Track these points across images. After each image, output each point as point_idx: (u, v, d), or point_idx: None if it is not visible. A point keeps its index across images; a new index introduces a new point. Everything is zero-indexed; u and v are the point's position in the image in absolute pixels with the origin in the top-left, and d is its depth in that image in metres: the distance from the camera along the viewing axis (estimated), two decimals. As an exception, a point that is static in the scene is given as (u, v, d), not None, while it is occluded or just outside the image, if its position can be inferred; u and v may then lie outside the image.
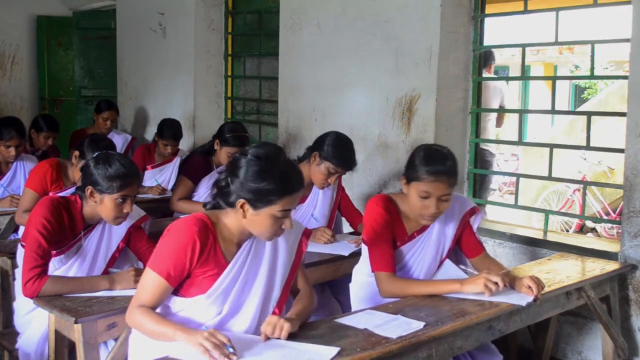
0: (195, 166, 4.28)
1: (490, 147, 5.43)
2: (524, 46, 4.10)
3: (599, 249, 3.53)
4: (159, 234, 3.22)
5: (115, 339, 2.43)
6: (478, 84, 4.23)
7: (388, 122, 4.30)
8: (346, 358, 1.97)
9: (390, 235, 2.69)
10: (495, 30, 5.16)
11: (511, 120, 5.80)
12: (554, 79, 4.29)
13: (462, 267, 2.83)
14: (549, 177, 4.02)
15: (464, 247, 2.85)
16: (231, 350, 1.90)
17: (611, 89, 8.39)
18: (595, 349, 3.53)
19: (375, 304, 2.61)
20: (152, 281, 2.10)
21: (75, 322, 2.30)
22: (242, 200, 2.09)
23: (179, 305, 2.15)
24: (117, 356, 2.39)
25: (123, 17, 6.74)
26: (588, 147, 3.98)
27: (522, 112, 4.58)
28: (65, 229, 2.67)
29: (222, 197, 2.16)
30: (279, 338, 2.03)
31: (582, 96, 14.35)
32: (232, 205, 2.13)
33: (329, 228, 3.53)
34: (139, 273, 2.61)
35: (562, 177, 4.77)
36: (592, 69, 3.87)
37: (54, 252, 2.64)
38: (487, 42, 4.24)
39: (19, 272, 2.67)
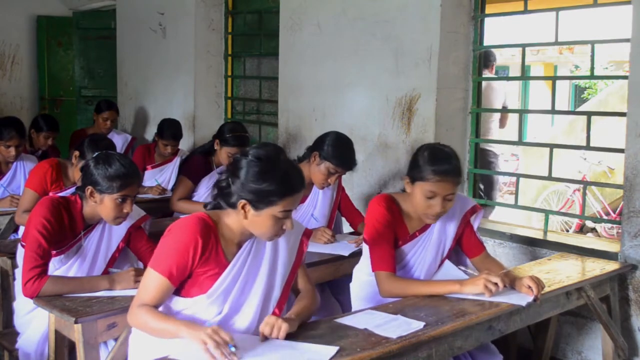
0: (195, 166, 4.28)
1: (494, 148, 5.44)
2: (524, 46, 4.10)
3: (599, 249, 3.53)
4: (159, 234, 3.22)
5: (115, 339, 2.43)
6: (478, 84, 4.23)
7: (388, 122, 4.30)
8: (346, 358, 1.97)
9: (392, 235, 2.69)
10: (495, 30, 5.17)
11: (511, 120, 5.80)
12: (554, 79, 4.29)
13: (462, 268, 2.83)
14: (549, 177, 4.02)
15: (465, 247, 2.86)
16: (233, 349, 1.89)
17: (611, 89, 8.39)
18: (595, 349, 3.53)
19: (376, 303, 2.61)
20: (153, 281, 2.10)
21: (75, 322, 2.30)
22: (243, 201, 2.10)
23: (180, 305, 2.15)
24: (117, 356, 2.39)
25: (123, 17, 6.74)
26: (588, 147, 3.98)
27: (522, 112, 4.58)
28: (65, 229, 2.67)
29: (223, 198, 2.16)
30: (277, 338, 2.03)
31: (582, 96, 14.35)
32: (233, 205, 2.13)
33: (329, 228, 3.53)
34: (139, 273, 2.61)
35: (562, 177, 4.77)
36: (592, 69, 3.87)
37: (54, 252, 2.64)
38: (487, 42, 4.24)
39: (19, 272, 2.67)
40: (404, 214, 2.74)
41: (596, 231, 7.05)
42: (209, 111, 6.01)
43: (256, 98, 5.86)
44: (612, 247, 3.56)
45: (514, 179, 4.52)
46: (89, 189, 2.63)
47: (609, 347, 3.27)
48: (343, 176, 3.62)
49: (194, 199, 4.25)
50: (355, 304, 2.82)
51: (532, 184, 7.16)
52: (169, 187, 4.87)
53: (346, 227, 3.91)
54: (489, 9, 4.23)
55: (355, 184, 4.47)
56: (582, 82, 14.35)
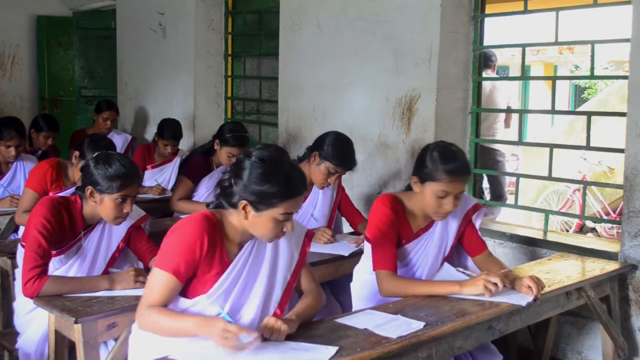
0: (195, 166, 4.28)
1: (502, 148, 5.46)
2: (524, 46, 4.10)
3: (599, 249, 3.53)
4: (159, 234, 3.23)
5: (115, 339, 2.43)
6: (478, 84, 4.23)
7: (388, 122, 4.30)
8: (346, 358, 1.97)
9: (395, 235, 2.70)
10: (495, 30, 5.17)
11: (511, 120, 5.83)
12: (554, 79, 4.29)
13: (461, 269, 2.83)
14: (549, 177, 4.02)
15: (466, 245, 2.86)
16: (247, 338, 1.91)
17: (611, 89, 8.39)
18: (595, 349, 3.53)
19: (376, 303, 2.62)
20: (160, 280, 2.09)
21: (75, 322, 2.30)
22: (244, 202, 2.10)
23: (181, 305, 2.14)
24: (117, 356, 2.39)
25: (123, 17, 6.74)
26: (588, 147, 3.98)
27: (522, 112, 4.58)
28: (65, 229, 2.67)
29: (225, 197, 2.17)
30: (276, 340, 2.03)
31: (582, 96, 14.35)
32: (234, 206, 2.13)
33: (329, 228, 3.53)
34: (139, 273, 2.62)
35: (562, 177, 4.77)
36: (592, 69, 3.87)
37: (54, 252, 2.64)
38: (487, 42, 4.24)
39: (19, 272, 2.67)
40: (408, 213, 2.75)
41: (596, 231, 7.05)
42: (209, 111, 6.01)
43: (256, 98, 5.86)
44: (612, 247, 3.56)
45: (514, 179, 4.52)
46: (89, 189, 2.63)
47: (609, 347, 3.27)
48: (343, 176, 3.62)
49: (194, 199, 4.25)
50: (356, 303, 2.83)
51: (532, 184, 7.16)
52: (169, 187, 4.87)
53: (346, 227, 3.91)
54: (489, 9, 4.23)
55: (355, 184, 4.47)
56: (582, 82, 14.35)
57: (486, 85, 5.28)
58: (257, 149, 2.17)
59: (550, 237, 3.84)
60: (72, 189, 3.21)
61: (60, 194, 3.40)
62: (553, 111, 4.12)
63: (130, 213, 2.71)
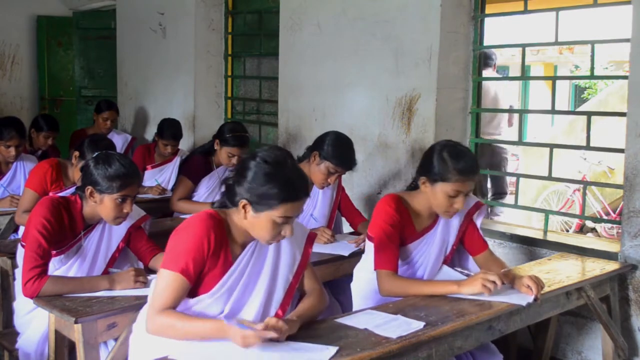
0: (195, 166, 4.28)
1: (506, 148, 5.47)
2: (524, 46, 4.10)
3: (599, 249, 3.52)
4: (159, 234, 3.24)
5: (115, 339, 2.43)
6: (478, 84, 4.23)
7: (388, 122, 4.30)
8: (346, 358, 1.97)
9: (398, 236, 2.70)
10: (495, 30, 5.17)
11: (513, 119, 5.84)
12: (554, 79, 4.29)
13: (459, 269, 2.84)
14: (549, 177, 4.02)
15: (467, 244, 2.87)
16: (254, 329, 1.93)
17: (611, 89, 8.38)
18: (595, 349, 3.53)
19: (377, 302, 2.62)
20: (168, 281, 2.08)
21: (75, 322, 2.30)
22: (244, 201, 2.10)
23: (183, 304, 2.13)
24: (117, 356, 2.39)
25: (123, 17, 6.74)
26: (588, 147, 3.98)
27: (522, 112, 4.58)
28: (65, 229, 2.67)
29: (228, 196, 2.17)
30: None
31: (582, 96, 14.35)
32: (235, 204, 2.13)
33: (329, 228, 3.53)
34: (139, 273, 2.62)
35: (562, 177, 4.77)
36: (592, 69, 3.87)
37: (54, 252, 2.64)
38: (487, 42, 4.24)
39: (19, 272, 2.67)
40: (412, 213, 2.75)
41: (596, 231, 7.05)
42: (209, 111, 6.01)
43: (256, 98, 5.86)
44: (612, 247, 3.56)
45: (514, 179, 4.52)
46: (89, 189, 2.63)
47: (609, 347, 3.27)
48: (343, 176, 3.62)
49: (194, 199, 4.25)
50: (357, 302, 2.83)
51: (532, 184, 7.16)
52: (169, 187, 4.87)
53: (346, 227, 3.91)
54: (489, 9, 4.23)
55: (355, 184, 4.47)
56: (582, 82, 14.35)
57: (490, 86, 5.29)
58: (264, 150, 2.16)
59: (550, 237, 3.84)
60: (72, 189, 3.21)
61: (60, 194, 3.40)
62: (553, 111, 4.12)
63: (130, 213, 2.71)
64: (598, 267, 3.20)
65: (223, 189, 2.23)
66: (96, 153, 2.75)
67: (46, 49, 7.62)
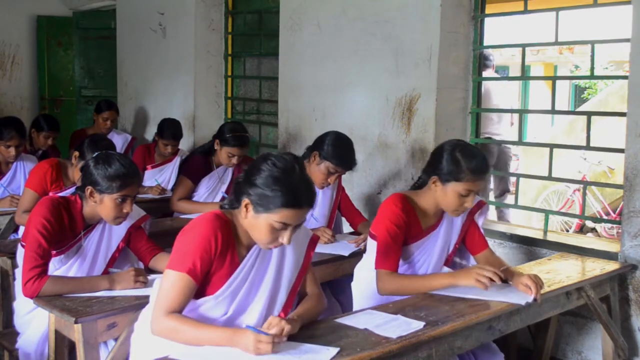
0: (195, 166, 4.28)
1: (511, 148, 5.49)
2: (524, 46, 4.10)
3: (599, 249, 3.53)
4: (159, 234, 3.24)
5: (115, 339, 2.43)
6: (478, 84, 4.23)
7: (388, 122, 4.30)
8: (346, 358, 1.97)
9: (402, 237, 2.71)
10: (495, 30, 5.17)
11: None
12: (554, 79, 4.29)
13: (458, 259, 2.85)
14: (549, 177, 4.02)
15: (468, 243, 2.89)
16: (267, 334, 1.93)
17: (611, 89, 8.38)
18: (595, 349, 3.53)
19: (378, 301, 2.63)
20: (175, 282, 2.06)
21: (75, 322, 2.30)
22: (246, 200, 2.09)
23: (189, 306, 2.12)
24: (117, 356, 2.39)
25: (123, 17, 6.74)
26: (588, 147, 3.98)
27: (522, 112, 4.58)
28: (65, 229, 2.67)
29: (235, 195, 2.16)
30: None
31: (582, 96, 14.34)
32: (239, 202, 2.13)
33: (329, 228, 3.53)
34: (139, 273, 2.62)
35: (562, 177, 4.77)
36: (592, 69, 3.87)
37: (54, 252, 2.63)
38: (487, 42, 4.24)
39: (19, 272, 2.67)
40: (418, 212, 2.76)
41: (596, 231, 7.05)
42: (209, 111, 6.01)
43: (256, 98, 5.86)
44: (612, 247, 3.56)
45: (514, 178, 4.53)
46: (89, 189, 2.63)
47: (609, 347, 3.27)
48: (343, 176, 3.62)
49: (194, 199, 4.25)
50: (357, 302, 2.83)
51: (532, 184, 7.16)
52: (169, 187, 4.87)
53: (346, 227, 3.91)
54: (489, 9, 4.23)
55: (355, 184, 4.47)
56: (582, 82, 14.34)
57: (488, 87, 5.29)
58: (275, 153, 2.15)
59: (550, 237, 3.84)
60: (72, 189, 3.21)
61: (60, 194, 3.40)
62: (553, 111, 4.12)
63: (130, 213, 2.71)
64: (598, 267, 3.20)
65: (234, 187, 2.21)
66: (96, 153, 2.75)
67: (46, 49, 7.61)
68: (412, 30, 4.11)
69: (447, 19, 4.01)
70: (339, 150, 3.44)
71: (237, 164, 4.18)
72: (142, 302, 2.38)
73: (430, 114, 4.06)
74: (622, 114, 3.52)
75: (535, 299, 2.54)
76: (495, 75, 5.93)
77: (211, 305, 2.13)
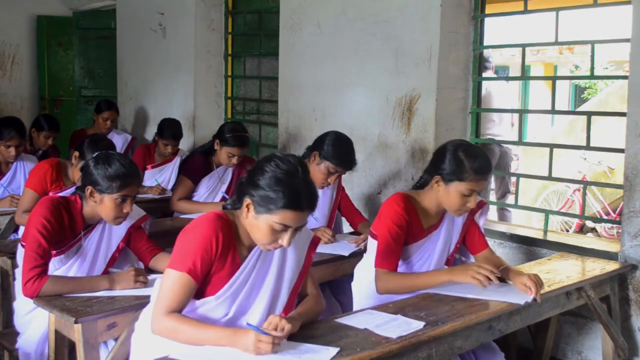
0: (195, 166, 4.28)
1: (512, 149, 5.48)
2: (524, 46, 4.10)
3: (599, 249, 3.53)
4: (159, 234, 3.24)
5: (115, 339, 2.43)
6: (478, 84, 4.23)
7: (388, 122, 4.30)
8: (346, 358, 1.97)
9: (403, 237, 2.71)
10: (495, 30, 5.17)
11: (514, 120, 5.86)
12: (554, 79, 4.29)
13: (457, 255, 2.86)
14: (549, 177, 4.02)
15: (468, 242, 2.90)
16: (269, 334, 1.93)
17: (611, 89, 8.38)
18: (595, 349, 3.53)
19: (378, 301, 2.63)
20: (175, 281, 2.06)
21: (75, 322, 2.30)
22: (248, 200, 2.09)
23: (189, 306, 2.12)
24: (117, 356, 2.39)
25: (123, 17, 6.74)
26: (588, 147, 3.98)
27: (522, 112, 4.58)
28: (65, 229, 2.67)
29: (238, 195, 2.16)
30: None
31: (582, 96, 14.34)
32: (241, 201, 2.13)
33: (329, 228, 3.53)
34: (139, 273, 2.62)
35: (562, 177, 4.77)
36: (592, 69, 3.87)
37: (54, 252, 2.63)
38: (487, 42, 4.24)
39: (19, 272, 2.67)
40: (420, 212, 2.77)
41: (596, 231, 7.05)
42: (209, 111, 6.01)
43: (256, 98, 5.86)
44: (612, 247, 3.56)
45: (514, 178, 4.53)
46: (89, 189, 2.63)
47: (609, 347, 3.27)
48: (343, 176, 3.62)
49: (194, 199, 4.25)
50: (357, 301, 2.84)
51: (532, 184, 7.16)
52: (169, 187, 4.87)
53: (346, 227, 3.91)
54: (489, 9, 4.23)
55: (355, 184, 4.47)
56: (582, 82, 14.34)
57: (487, 89, 5.30)
58: (280, 155, 2.14)
59: (550, 237, 3.84)
60: (72, 189, 3.21)
61: (60, 194, 3.40)
62: (553, 111, 4.12)
63: (130, 213, 2.71)
64: (598, 267, 3.20)
65: (237, 187, 2.21)
66: (96, 153, 2.75)
67: (46, 49, 7.61)
68: (412, 30, 4.11)
69: (447, 19, 4.01)
70: (339, 150, 3.44)
71: (237, 164, 4.19)
72: (142, 302, 2.38)
73: (430, 114, 4.06)
74: (622, 114, 3.52)
75: (534, 299, 2.54)
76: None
77: (212, 306, 2.13)
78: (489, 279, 2.52)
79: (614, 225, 6.78)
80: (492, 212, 5.25)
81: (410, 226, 2.72)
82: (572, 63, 14.35)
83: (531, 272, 2.69)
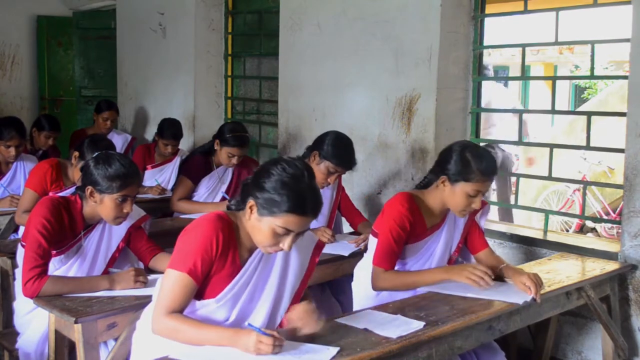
0: (195, 166, 4.28)
1: (513, 150, 5.48)
2: (524, 46, 4.10)
3: (599, 249, 3.53)
4: (159, 234, 3.24)
5: (115, 339, 2.43)
6: (478, 84, 4.23)
7: (388, 122, 4.30)
8: (346, 358, 1.97)
9: (404, 238, 2.72)
10: (495, 30, 5.17)
11: (511, 120, 5.84)
12: (554, 79, 4.29)
13: (460, 259, 2.86)
14: (549, 177, 4.02)
15: (468, 242, 2.92)
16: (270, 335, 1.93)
17: (611, 89, 8.38)
18: (595, 349, 3.53)
19: (378, 301, 2.64)
20: (175, 281, 2.06)
21: (75, 322, 2.30)
22: (252, 201, 2.08)
23: (189, 307, 2.12)
24: (117, 356, 2.39)
25: (123, 17, 6.74)
26: (588, 147, 3.98)
27: (522, 112, 4.58)
28: (65, 229, 2.66)
29: (242, 196, 2.16)
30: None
31: (582, 96, 14.34)
32: (245, 202, 2.12)
33: (329, 228, 3.53)
34: (139, 273, 2.61)
35: (562, 177, 4.77)
36: (592, 69, 3.87)
37: (54, 252, 2.63)
38: (487, 42, 4.24)
39: (19, 272, 2.67)
40: (423, 211, 2.77)
41: (596, 231, 7.05)
42: (209, 111, 6.01)
43: (256, 98, 5.86)
44: (612, 247, 3.56)
45: (514, 178, 4.53)
46: (89, 189, 2.63)
47: (609, 347, 3.27)
48: (343, 176, 3.62)
49: (194, 199, 4.25)
50: (357, 302, 2.84)
51: (532, 184, 7.16)
52: (169, 187, 4.87)
53: (346, 227, 3.91)
54: (489, 9, 4.23)
55: (355, 184, 4.47)
56: (582, 82, 14.34)
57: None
58: (286, 158, 2.13)
59: (550, 237, 3.85)
60: (72, 189, 3.21)
61: (60, 194, 3.40)
62: (553, 111, 4.13)
63: (130, 213, 2.71)
64: (598, 267, 3.20)
65: (241, 189, 2.20)
66: (96, 153, 2.75)
67: (46, 49, 7.61)
68: (412, 30, 4.11)
69: (447, 19, 4.01)
70: (338, 150, 3.43)
71: (237, 164, 4.19)
72: (142, 302, 2.38)
73: (430, 114, 4.06)
74: (622, 114, 3.52)
75: (534, 299, 2.55)
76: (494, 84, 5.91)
77: (212, 308, 2.12)
78: (485, 280, 2.53)
79: (614, 225, 6.78)
80: (494, 213, 5.25)
81: (413, 226, 2.72)
82: (572, 63, 14.34)
83: (531, 272, 2.69)
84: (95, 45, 7.41)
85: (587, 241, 3.91)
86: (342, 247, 3.35)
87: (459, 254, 2.90)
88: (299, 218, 2.04)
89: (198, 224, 2.12)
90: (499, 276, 2.75)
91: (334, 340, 2.08)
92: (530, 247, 3.81)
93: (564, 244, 3.65)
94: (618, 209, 6.57)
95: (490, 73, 5.44)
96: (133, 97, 6.64)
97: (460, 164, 2.63)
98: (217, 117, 6.01)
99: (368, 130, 4.42)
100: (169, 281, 2.07)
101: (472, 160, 2.61)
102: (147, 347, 2.14)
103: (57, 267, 2.69)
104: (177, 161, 4.97)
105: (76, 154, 3.49)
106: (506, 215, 5.53)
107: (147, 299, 2.30)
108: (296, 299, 2.26)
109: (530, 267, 3.17)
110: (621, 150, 3.47)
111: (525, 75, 6.39)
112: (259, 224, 2.07)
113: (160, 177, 4.97)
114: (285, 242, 2.07)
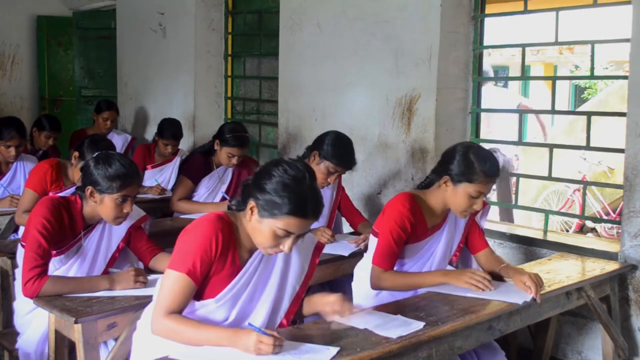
0: (195, 166, 4.28)
1: (512, 160, 5.48)
2: (524, 46, 4.10)
3: (599, 249, 3.53)
4: (159, 234, 3.24)
5: (115, 339, 2.43)
6: (478, 84, 4.23)
7: (388, 122, 4.30)
8: (346, 358, 1.97)
9: (405, 239, 2.72)
10: (495, 30, 5.17)
11: (511, 120, 5.84)
12: (554, 79, 4.29)
13: (461, 264, 2.86)
14: (549, 177, 4.02)
15: (468, 242, 2.92)
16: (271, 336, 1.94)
17: (611, 89, 8.38)
18: (595, 349, 3.53)
19: (378, 301, 2.64)
20: (174, 282, 2.06)
21: (75, 322, 2.30)
22: (252, 203, 2.08)
23: (188, 307, 2.12)
24: (117, 356, 2.39)
25: (123, 17, 6.74)
26: (588, 147, 3.98)
27: (522, 112, 4.58)
28: (65, 229, 2.66)
29: (242, 197, 2.15)
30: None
31: (582, 96, 14.32)
32: (245, 203, 2.12)
33: (329, 228, 3.53)
34: (139, 273, 2.61)
35: (562, 177, 4.77)
36: (592, 69, 3.87)
37: (54, 252, 2.63)
38: (487, 42, 4.24)
39: (19, 272, 2.67)
40: (424, 211, 2.77)
41: (596, 231, 7.05)
42: (209, 111, 6.01)
43: (256, 98, 5.86)
44: (612, 247, 3.56)
45: (514, 179, 4.53)
46: (89, 189, 2.63)
47: (609, 347, 3.27)
48: (343, 176, 3.62)
49: (194, 199, 4.25)
50: (357, 302, 2.83)
51: (532, 184, 7.16)
52: (169, 187, 4.87)
53: (346, 227, 3.91)
54: (489, 9, 4.23)
55: (355, 184, 4.47)
56: (582, 82, 14.33)
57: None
58: (289, 160, 2.13)
59: (550, 237, 3.85)
60: (72, 189, 3.21)
61: (60, 194, 3.40)
62: (553, 111, 4.13)
63: (130, 213, 2.71)
64: (598, 267, 3.20)
65: (241, 189, 2.20)
66: (96, 153, 2.75)
67: (46, 49, 7.61)
68: (412, 30, 4.11)
69: (447, 19, 4.01)
70: (338, 150, 3.43)
71: (237, 164, 4.19)
72: (142, 302, 2.38)
73: (430, 114, 4.06)
74: (622, 114, 3.52)
75: (534, 299, 2.55)
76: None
77: (212, 308, 2.12)
78: (484, 284, 2.54)
79: (614, 225, 6.78)
80: (495, 214, 5.25)
81: (414, 227, 2.72)
82: (572, 63, 14.33)
83: (532, 272, 2.69)
84: (95, 45, 7.41)
85: (587, 241, 3.91)
86: (342, 247, 3.35)
87: (460, 254, 2.90)
88: (299, 220, 2.03)
89: (198, 224, 2.12)
90: (499, 276, 2.75)
91: (334, 340, 2.08)
92: (530, 247, 3.81)
93: (564, 244, 3.65)
94: (618, 209, 6.57)
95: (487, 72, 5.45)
96: (133, 97, 6.64)
97: (463, 164, 2.63)
98: (217, 117, 6.01)
99: (368, 130, 4.42)
100: (168, 282, 2.07)
101: (475, 162, 2.62)
102: (147, 347, 2.14)
103: (57, 267, 2.69)
104: (177, 161, 4.97)
105: (76, 154, 3.49)
106: (506, 216, 5.53)
107: (147, 299, 2.30)
108: (297, 300, 2.26)
109: (530, 267, 3.17)
110: (621, 151, 3.47)
111: (525, 75, 6.38)
112: (260, 226, 2.07)
113: (160, 177, 4.97)
114: (286, 244, 2.07)
